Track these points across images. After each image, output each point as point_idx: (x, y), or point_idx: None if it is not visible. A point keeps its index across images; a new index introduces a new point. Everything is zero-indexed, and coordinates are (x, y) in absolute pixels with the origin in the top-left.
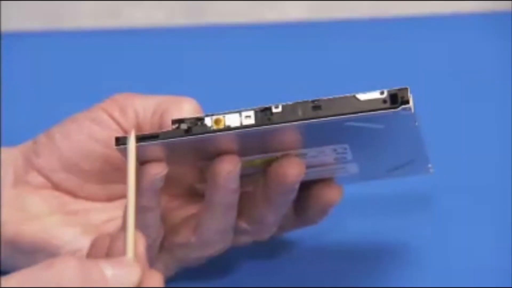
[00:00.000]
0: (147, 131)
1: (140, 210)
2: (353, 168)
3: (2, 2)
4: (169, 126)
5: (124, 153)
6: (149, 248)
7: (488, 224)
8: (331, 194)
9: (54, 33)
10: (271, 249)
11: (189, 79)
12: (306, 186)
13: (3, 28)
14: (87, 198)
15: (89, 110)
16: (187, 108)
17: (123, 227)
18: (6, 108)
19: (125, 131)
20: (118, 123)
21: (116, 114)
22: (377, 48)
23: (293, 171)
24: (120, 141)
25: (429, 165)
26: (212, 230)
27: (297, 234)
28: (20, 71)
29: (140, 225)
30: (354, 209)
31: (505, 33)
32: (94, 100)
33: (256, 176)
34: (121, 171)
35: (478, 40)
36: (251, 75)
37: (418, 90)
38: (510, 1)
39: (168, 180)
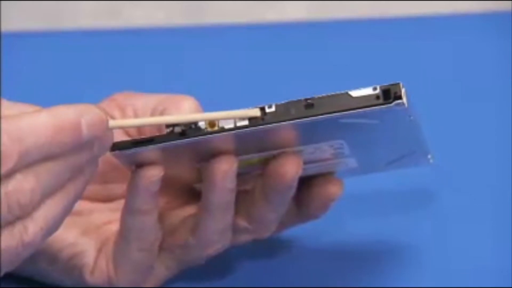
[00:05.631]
0: (146, 130)
1: (137, 213)
2: (352, 162)
3: (2, 2)
4: (164, 129)
5: (120, 158)
6: (148, 251)
7: (488, 224)
8: (332, 188)
9: (54, 33)
10: (271, 249)
11: (189, 79)
12: (307, 181)
13: (3, 28)
14: (89, 198)
15: None
16: (186, 107)
17: (120, 232)
18: None
19: (125, 131)
20: None
21: (116, 113)
22: (377, 48)
23: (290, 169)
24: (115, 147)
25: (429, 156)
26: (210, 230)
27: (296, 233)
28: (20, 71)
29: (138, 228)
30: (354, 209)
31: (505, 33)
32: (94, 100)
33: (254, 174)
34: (121, 170)
35: (478, 40)
36: (250, 75)
37: (418, 90)
38: (510, 1)
39: (167, 180)
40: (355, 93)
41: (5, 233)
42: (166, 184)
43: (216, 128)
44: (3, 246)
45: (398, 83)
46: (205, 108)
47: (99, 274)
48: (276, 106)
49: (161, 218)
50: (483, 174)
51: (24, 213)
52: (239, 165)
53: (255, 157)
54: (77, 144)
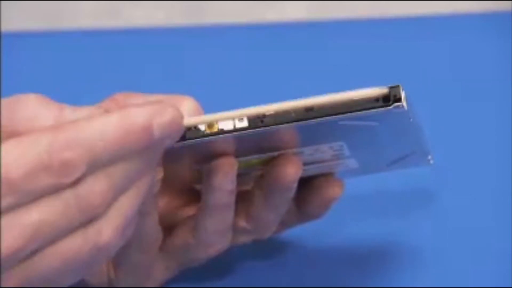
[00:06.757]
0: None
1: (137, 215)
2: (352, 163)
3: (2, 2)
4: None
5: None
6: (148, 252)
7: (488, 224)
8: (332, 189)
9: (54, 33)
10: (271, 249)
11: (189, 79)
12: (307, 182)
13: (3, 28)
14: None
15: None
16: (186, 107)
17: None
18: None
19: None
20: None
21: None
22: (377, 48)
23: (290, 170)
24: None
25: (429, 157)
26: (210, 231)
27: (297, 234)
28: (20, 71)
29: (137, 230)
30: (354, 209)
31: (505, 33)
32: (94, 100)
33: (254, 175)
34: None
35: (478, 40)
36: (250, 75)
37: (418, 90)
38: (510, 1)
39: (167, 181)
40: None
41: (77, 236)
42: (166, 185)
43: (215, 130)
44: (75, 250)
45: (398, 86)
46: (206, 108)
47: (99, 275)
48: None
49: (161, 219)
50: (483, 174)
51: (96, 214)
52: (239, 166)
53: (255, 158)
54: (148, 146)
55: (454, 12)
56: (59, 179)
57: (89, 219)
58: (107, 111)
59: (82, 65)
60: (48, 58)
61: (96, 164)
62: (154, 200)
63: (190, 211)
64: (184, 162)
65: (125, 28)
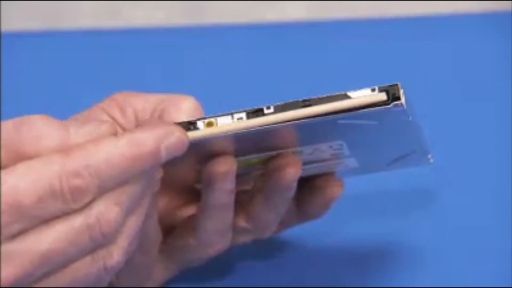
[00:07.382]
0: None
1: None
2: (352, 162)
3: (2, 2)
4: None
5: None
6: (147, 253)
7: (488, 224)
8: (332, 188)
9: (54, 33)
10: (271, 249)
11: (189, 79)
12: (307, 181)
13: (3, 28)
14: None
15: (89, 111)
16: (186, 107)
17: None
18: (6, 108)
19: (125, 131)
20: (118, 123)
21: (116, 114)
22: (377, 48)
23: (290, 170)
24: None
25: (429, 156)
26: (210, 231)
27: (297, 234)
28: (20, 71)
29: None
30: (354, 209)
31: (505, 33)
32: (94, 100)
33: (253, 175)
34: None
35: (478, 40)
36: (250, 75)
37: (418, 90)
38: (510, 1)
39: (167, 181)
40: (353, 94)
41: (86, 260)
42: (166, 185)
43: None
44: (84, 272)
45: (397, 84)
46: (206, 108)
47: None
48: (275, 107)
49: (161, 219)
50: (483, 174)
51: (108, 241)
52: (238, 166)
53: (254, 157)
54: (155, 167)
55: (454, 12)
56: (68, 205)
57: (99, 246)
58: (114, 134)
59: (82, 65)
60: (48, 58)
61: (105, 188)
62: (154, 200)
63: (190, 211)
64: (184, 161)
65: (125, 28)
